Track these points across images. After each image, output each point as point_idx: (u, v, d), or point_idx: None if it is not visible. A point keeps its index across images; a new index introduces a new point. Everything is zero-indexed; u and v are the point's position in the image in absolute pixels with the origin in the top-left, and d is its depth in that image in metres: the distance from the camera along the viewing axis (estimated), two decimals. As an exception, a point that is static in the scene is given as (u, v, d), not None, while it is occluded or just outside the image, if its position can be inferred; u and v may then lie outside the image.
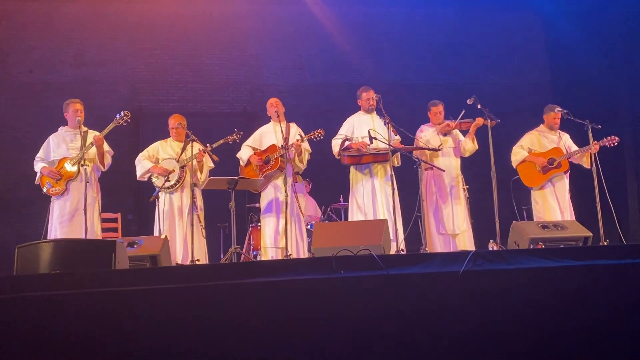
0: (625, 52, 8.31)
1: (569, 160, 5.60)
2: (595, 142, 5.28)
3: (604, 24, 8.48)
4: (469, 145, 5.58)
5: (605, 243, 4.78)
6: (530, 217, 6.07)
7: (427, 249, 5.13)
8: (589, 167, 5.41)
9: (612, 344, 3.29)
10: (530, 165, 5.66)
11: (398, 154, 5.29)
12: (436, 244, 5.42)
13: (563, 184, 5.62)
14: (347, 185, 5.51)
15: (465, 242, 5.45)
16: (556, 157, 5.58)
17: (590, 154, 5.19)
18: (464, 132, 5.69)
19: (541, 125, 5.84)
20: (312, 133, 5.29)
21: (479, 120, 5.39)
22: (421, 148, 5.36)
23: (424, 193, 5.44)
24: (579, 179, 5.95)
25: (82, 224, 4.93)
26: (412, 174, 5.15)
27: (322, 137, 5.30)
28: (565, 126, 5.82)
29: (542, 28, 9.32)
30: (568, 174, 5.66)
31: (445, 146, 5.59)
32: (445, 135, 5.60)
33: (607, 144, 5.39)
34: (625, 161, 8.25)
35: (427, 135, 5.62)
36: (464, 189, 5.61)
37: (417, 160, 4.99)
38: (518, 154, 5.71)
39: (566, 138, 5.75)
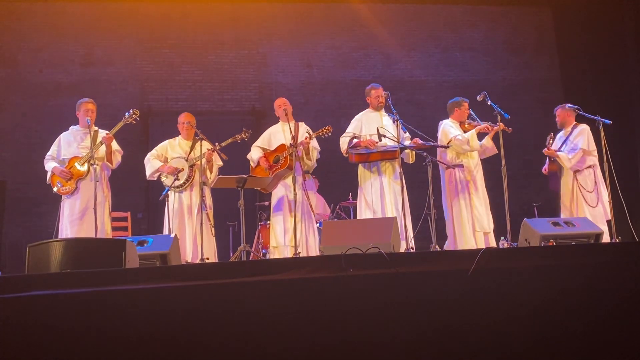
0: (637, 45, 8.22)
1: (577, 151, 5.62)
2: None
3: (614, 17, 8.40)
4: (491, 147, 5.49)
5: (617, 240, 4.73)
6: (540, 214, 6.05)
7: (436, 246, 5.10)
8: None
9: (623, 343, 3.26)
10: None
11: (414, 151, 5.25)
12: (471, 242, 5.26)
13: (565, 179, 5.65)
14: (356, 183, 5.50)
15: (493, 239, 5.40)
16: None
17: (609, 150, 5.10)
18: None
19: None
20: (320, 130, 5.27)
21: (501, 126, 5.25)
22: (430, 145, 5.32)
23: (449, 191, 5.37)
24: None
25: (92, 222, 4.94)
26: (422, 171, 5.13)
27: (330, 134, 5.28)
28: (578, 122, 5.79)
29: (551, 22, 9.25)
30: (573, 170, 5.62)
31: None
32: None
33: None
34: (638, 156, 8.17)
35: (459, 132, 5.49)
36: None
37: (426, 157, 4.95)
38: None
39: (574, 133, 5.69)
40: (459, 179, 5.40)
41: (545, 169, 5.81)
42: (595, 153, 5.57)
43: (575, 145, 5.57)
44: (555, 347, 3.23)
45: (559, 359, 3.21)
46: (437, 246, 5.03)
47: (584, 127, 5.65)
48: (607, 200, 5.22)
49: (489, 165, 5.67)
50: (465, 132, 5.45)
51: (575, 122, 5.76)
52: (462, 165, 5.38)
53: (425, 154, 5.21)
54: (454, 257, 3.53)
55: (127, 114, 5.32)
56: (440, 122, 5.64)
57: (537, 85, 9.03)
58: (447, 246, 5.38)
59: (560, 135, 5.81)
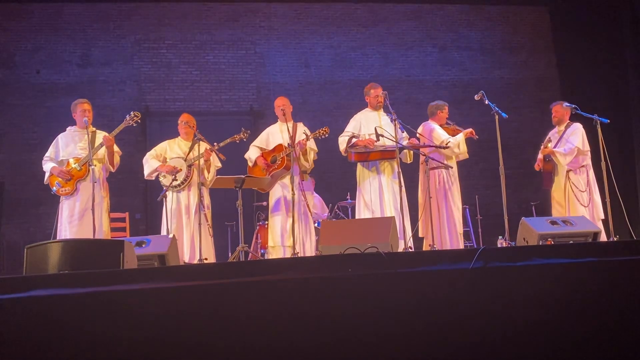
0: (634, 43, 8.23)
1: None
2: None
3: (611, 15, 8.41)
4: (465, 152, 5.56)
5: (615, 239, 4.74)
6: (539, 212, 6.05)
7: (435, 246, 5.10)
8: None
9: (621, 342, 3.27)
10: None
11: (411, 151, 5.25)
12: (455, 243, 5.28)
13: (559, 178, 5.63)
14: (355, 183, 5.50)
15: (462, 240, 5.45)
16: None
17: (603, 151, 5.09)
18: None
19: None
20: (317, 131, 5.27)
21: (472, 132, 5.47)
22: (429, 146, 5.33)
23: (436, 192, 5.37)
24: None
25: (91, 223, 4.93)
26: (421, 171, 5.14)
27: (327, 135, 5.29)
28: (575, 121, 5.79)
29: (549, 22, 9.26)
30: (568, 168, 5.60)
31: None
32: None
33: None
34: (635, 155, 8.19)
35: (448, 135, 5.53)
36: None
37: (426, 157, 4.95)
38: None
39: (568, 132, 5.68)
40: (446, 181, 5.41)
41: (538, 165, 5.75)
42: (589, 153, 5.57)
43: (570, 144, 5.56)
44: (554, 346, 3.23)
45: (558, 358, 3.22)
46: (435, 245, 5.04)
47: (579, 126, 5.64)
48: (601, 201, 5.22)
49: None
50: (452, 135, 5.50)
51: (569, 121, 5.75)
52: (451, 167, 5.40)
53: (424, 153, 5.22)
54: (453, 256, 3.53)
55: (127, 116, 5.29)
56: (425, 123, 5.64)
57: (534, 84, 9.05)
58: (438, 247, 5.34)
59: (553, 132, 5.79)
